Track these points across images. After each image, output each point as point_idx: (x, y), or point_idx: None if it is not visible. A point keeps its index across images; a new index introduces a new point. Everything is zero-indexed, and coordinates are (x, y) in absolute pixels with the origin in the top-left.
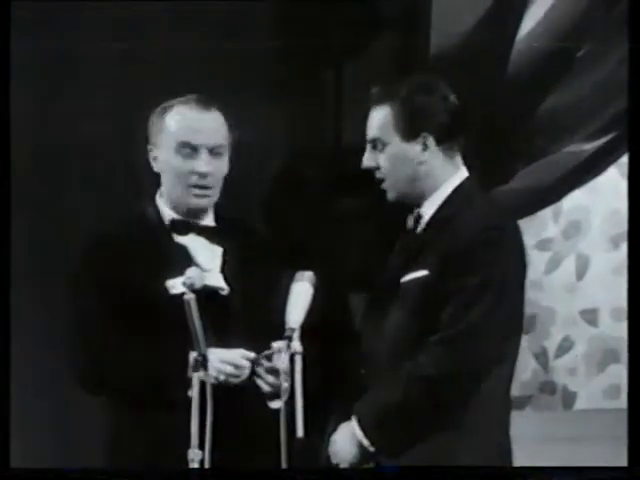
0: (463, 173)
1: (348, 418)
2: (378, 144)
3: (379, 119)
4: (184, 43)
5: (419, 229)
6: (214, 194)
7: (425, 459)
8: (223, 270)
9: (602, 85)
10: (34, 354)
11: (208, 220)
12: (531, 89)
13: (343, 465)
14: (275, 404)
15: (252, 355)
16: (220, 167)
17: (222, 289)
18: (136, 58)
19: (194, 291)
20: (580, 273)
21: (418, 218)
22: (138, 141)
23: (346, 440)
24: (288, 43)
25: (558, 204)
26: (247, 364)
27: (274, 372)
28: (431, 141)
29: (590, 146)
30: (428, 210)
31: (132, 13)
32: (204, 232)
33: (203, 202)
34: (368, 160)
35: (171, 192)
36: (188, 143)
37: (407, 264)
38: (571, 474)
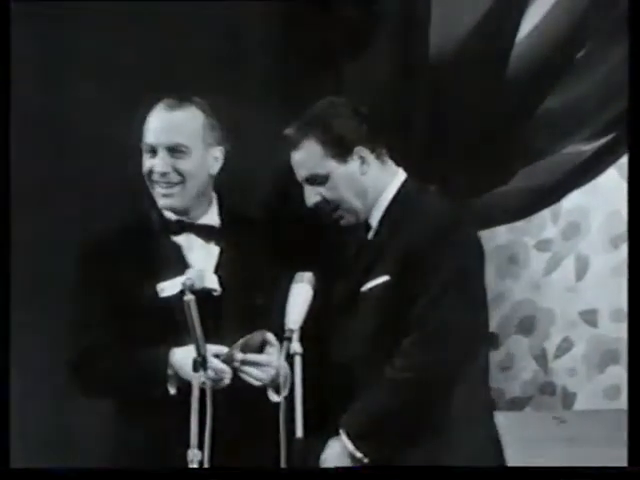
0: (401, 176)
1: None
2: (317, 179)
3: (308, 156)
4: (182, 42)
5: (369, 237)
6: (183, 194)
7: (416, 462)
8: (217, 271)
9: (602, 86)
10: (34, 354)
11: (206, 219)
12: (530, 90)
13: None
14: (275, 397)
15: (221, 351)
16: (186, 166)
17: (214, 290)
18: (136, 58)
19: (193, 292)
20: (579, 274)
21: (367, 227)
22: (135, 142)
23: (338, 456)
24: (287, 43)
25: (557, 205)
26: (225, 366)
27: (254, 365)
28: (366, 152)
29: (589, 147)
30: (375, 217)
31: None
32: (199, 231)
33: (171, 202)
34: (313, 197)
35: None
36: (148, 144)
37: (363, 272)
38: (570, 474)
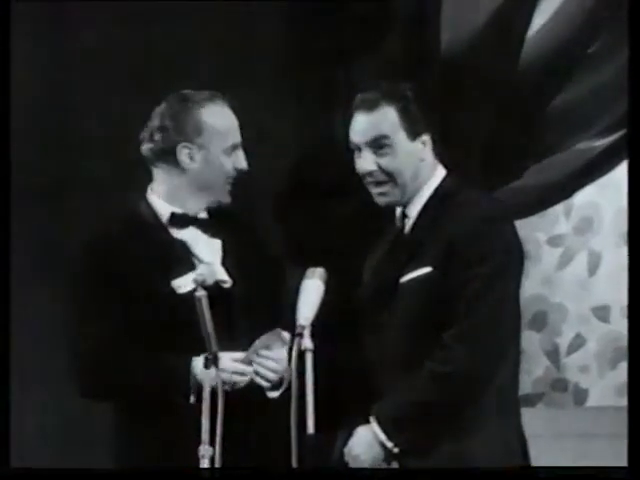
0: (441, 171)
1: (362, 417)
2: (382, 145)
3: (382, 119)
4: (194, 39)
5: (407, 229)
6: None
7: (445, 459)
8: (224, 263)
9: (613, 81)
10: (34, 354)
11: (204, 213)
12: (542, 86)
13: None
14: (273, 394)
15: (243, 355)
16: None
17: (224, 282)
18: (137, 53)
19: (205, 288)
20: (592, 270)
21: (403, 217)
22: (129, 137)
23: (366, 444)
24: (299, 42)
25: (569, 200)
26: (249, 368)
27: (275, 361)
28: (428, 140)
29: (600, 143)
30: (414, 208)
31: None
32: (203, 225)
33: (229, 199)
34: (369, 164)
35: (202, 187)
36: (235, 144)
37: (404, 264)
38: (570, 473)
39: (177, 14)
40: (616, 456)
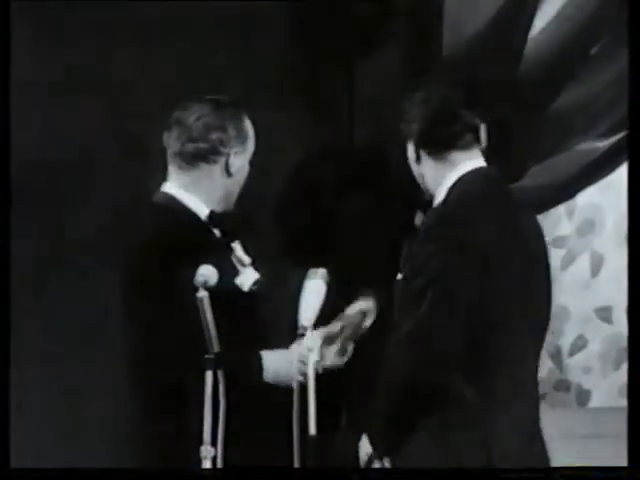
0: (460, 170)
1: (362, 418)
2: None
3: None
4: (197, 44)
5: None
6: None
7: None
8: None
9: (615, 82)
10: (34, 354)
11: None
12: (544, 87)
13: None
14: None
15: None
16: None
17: (258, 282)
18: (144, 60)
19: (207, 289)
20: (594, 271)
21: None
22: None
23: (363, 449)
24: (301, 43)
25: (572, 201)
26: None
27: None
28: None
29: (602, 144)
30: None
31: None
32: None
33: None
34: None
35: (232, 192)
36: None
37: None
38: (573, 473)
39: (177, 14)
40: (619, 457)
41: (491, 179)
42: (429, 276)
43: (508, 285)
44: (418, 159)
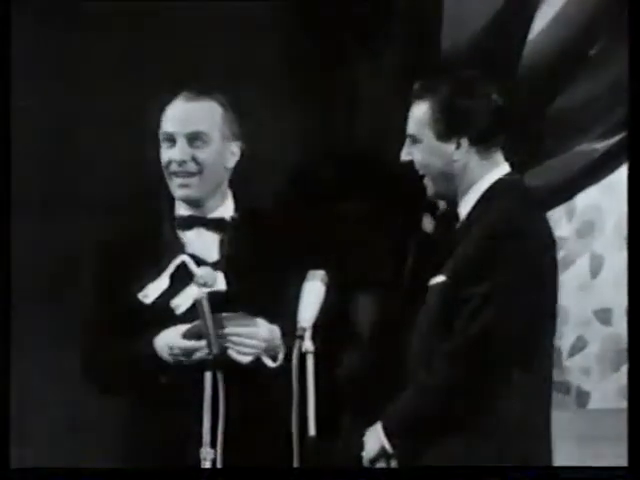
0: (501, 170)
1: (366, 418)
2: (415, 139)
3: (416, 115)
4: (198, 40)
5: (457, 228)
6: (200, 184)
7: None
8: (224, 267)
9: (614, 83)
10: (34, 354)
11: (218, 213)
12: (543, 88)
13: (363, 463)
14: (270, 363)
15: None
16: (204, 155)
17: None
18: (145, 56)
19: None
20: (594, 272)
21: (449, 218)
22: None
23: (371, 442)
24: (302, 43)
25: (572, 203)
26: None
27: (242, 336)
28: (465, 141)
29: (602, 145)
30: (463, 210)
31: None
32: (210, 225)
33: (188, 193)
34: (405, 154)
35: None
36: (166, 132)
37: (430, 267)
38: (570, 473)
39: (177, 14)
40: (618, 458)
41: (524, 188)
42: (496, 281)
43: (548, 290)
44: (458, 149)
